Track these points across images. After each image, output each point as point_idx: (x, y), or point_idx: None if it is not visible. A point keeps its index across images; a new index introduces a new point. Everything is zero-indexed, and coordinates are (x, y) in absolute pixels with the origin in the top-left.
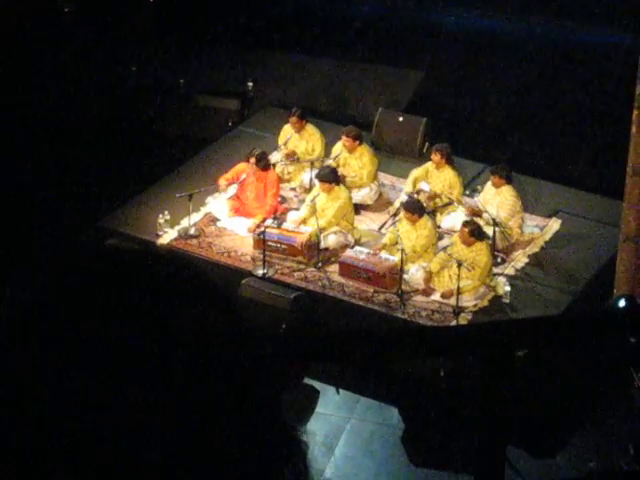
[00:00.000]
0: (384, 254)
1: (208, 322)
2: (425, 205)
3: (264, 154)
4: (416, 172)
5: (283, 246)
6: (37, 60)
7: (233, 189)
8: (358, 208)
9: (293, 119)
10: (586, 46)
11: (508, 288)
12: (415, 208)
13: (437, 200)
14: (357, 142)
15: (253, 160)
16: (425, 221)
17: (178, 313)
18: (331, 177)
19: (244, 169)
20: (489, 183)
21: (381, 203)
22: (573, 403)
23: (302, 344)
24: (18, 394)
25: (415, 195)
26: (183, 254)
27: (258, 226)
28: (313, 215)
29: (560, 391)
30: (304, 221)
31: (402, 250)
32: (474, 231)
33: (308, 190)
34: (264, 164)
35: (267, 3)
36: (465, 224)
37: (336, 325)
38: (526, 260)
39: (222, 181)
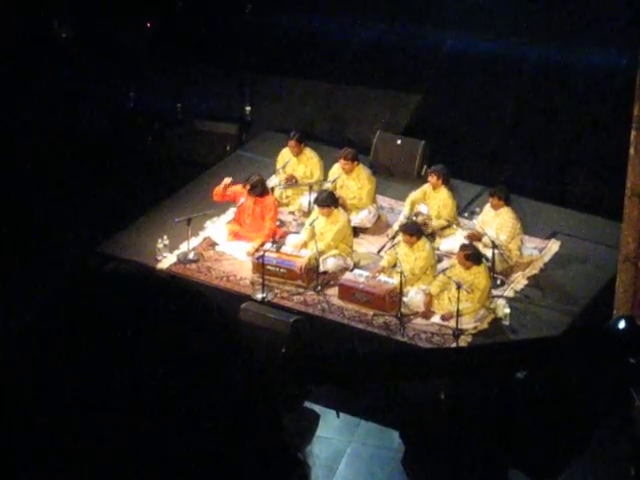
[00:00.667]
0: (383, 277)
1: (209, 345)
2: (424, 227)
3: (259, 181)
4: (413, 195)
5: (282, 270)
6: (34, 86)
7: (231, 214)
8: (357, 231)
9: (292, 143)
10: (584, 67)
11: (508, 310)
12: (413, 230)
13: (434, 224)
14: (355, 163)
15: (248, 187)
16: (423, 243)
17: (178, 336)
18: (329, 201)
19: (241, 192)
20: (488, 205)
21: (380, 226)
22: (574, 425)
23: (302, 366)
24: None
25: (414, 217)
26: (183, 277)
27: (257, 250)
28: (312, 239)
29: (560, 413)
30: (305, 245)
31: (401, 273)
32: (470, 255)
33: (307, 214)
34: (260, 191)
35: (265, 28)
36: (462, 248)
37: (336, 348)
38: (525, 282)
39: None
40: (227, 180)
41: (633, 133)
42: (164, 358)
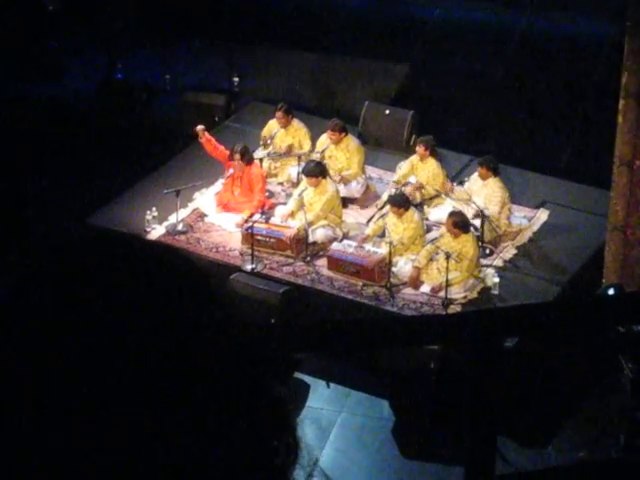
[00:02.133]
0: (372, 247)
1: (199, 312)
2: (412, 197)
3: (246, 148)
4: (403, 168)
5: (271, 240)
6: (21, 58)
7: (220, 185)
8: (346, 201)
9: (279, 114)
10: (572, 36)
11: (497, 279)
12: (400, 202)
13: (423, 192)
14: (342, 134)
15: (238, 157)
16: (411, 213)
17: (168, 302)
18: (317, 171)
19: (225, 158)
20: (475, 174)
21: (369, 196)
22: (563, 392)
23: (291, 334)
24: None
25: (402, 188)
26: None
27: (246, 221)
28: (301, 209)
29: (550, 380)
30: (292, 215)
31: (390, 243)
32: (458, 222)
33: (296, 184)
34: (248, 158)
35: None
36: (450, 215)
37: (325, 318)
38: (514, 251)
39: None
40: (199, 128)
41: (621, 102)
42: (150, 325)
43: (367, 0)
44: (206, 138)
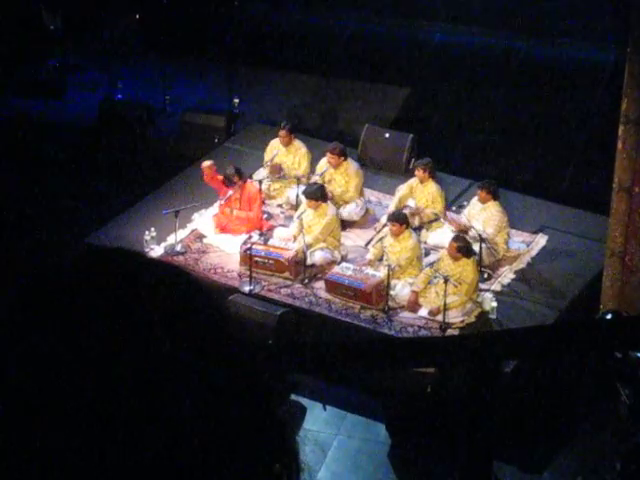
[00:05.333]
0: (370, 270)
1: (200, 330)
2: (411, 221)
3: (238, 168)
4: (401, 191)
5: (270, 262)
6: (22, 77)
7: (218, 206)
8: (344, 224)
9: (282, 132)
10: (572, 62)
11: (495, 304)
12: (400, 219)
13: (422, 216)
14: (342, 158)
15: (237, 179)
16: (409, 234)
17: (171, 320)
18: (318, 194)
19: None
20: (475, 198)
21: (367, 219)
22: (560, 418)
23: (288, 356)
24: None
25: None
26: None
27: (245, 242)
28: (301, 232)
29: (547, 406)
30: (294, 238)
31: (388, 266)
32: (462, 248)
33: (294, 207)
34: (243, 177)
35: (254, 20)
36: (455, 239)
37: (322, 340)
38: (512, 276)
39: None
40: (206, 164)
41: (621, 128)
42: (152, 340)
43: (369, 23)
44: (211, 176)
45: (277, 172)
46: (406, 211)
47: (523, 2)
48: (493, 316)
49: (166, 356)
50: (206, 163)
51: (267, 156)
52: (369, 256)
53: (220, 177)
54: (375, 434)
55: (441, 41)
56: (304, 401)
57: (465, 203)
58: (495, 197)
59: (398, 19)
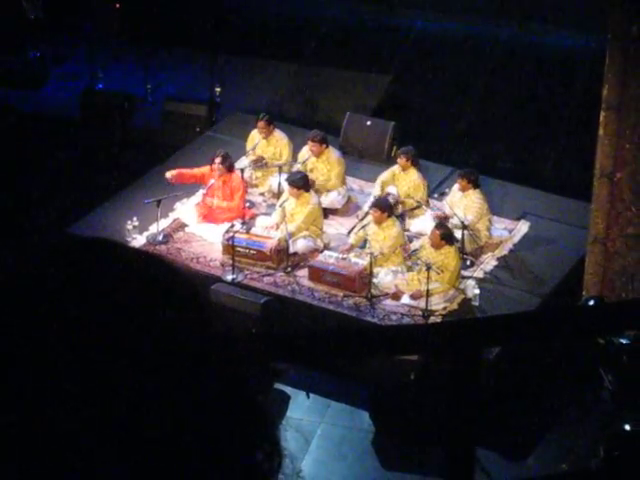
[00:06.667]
0: (353, 258)
1: (185, 319)
2: (394, 208)
3: (227, 154)
4: (383, 176)
5: (252, 251)
6: (1, 66)
7: (201, 195)
8: (327, 212)
9: (261, 124)
10: (553, 49)
11: (477, 291)
12: (384, 206)
13: (404, 203)
14: (323, 146)
15: (219, 160)
16: (392, 222)
17: (154, 309)
18: (300, 183)
19: (208, 173)
20: (456, 186)
21: (349, 207)
22: (544, 404)
23: (271, 344)
24: None
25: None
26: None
27: (227, 231)
28: (283, 220)
29: (531, 392)
30: (276, 226)
31: (371, 254)
32: (445, 235)
33: (277, 195)
34: (229, 164)
35: (234, 9)
36: (437, 227)
37: (305, 329)
38: (495, 263)
39: (168, 174)
40: (168, 176)
41: (602, 114)
42: (133, 330)
43: (349, 11)
44: (175, 178)
45: (259, 162)
46: (389, 199)
47: None
48: (476, 303)
49: (147, 346)
50: (167, 175)
51: (248, 145)
52: (350, 241)
53: (188, 172)
54: (359, 422)
55: (422, 28)
56: (287, 389)
57: (447, 190)
58: (475, 186)
59: (379, 6)
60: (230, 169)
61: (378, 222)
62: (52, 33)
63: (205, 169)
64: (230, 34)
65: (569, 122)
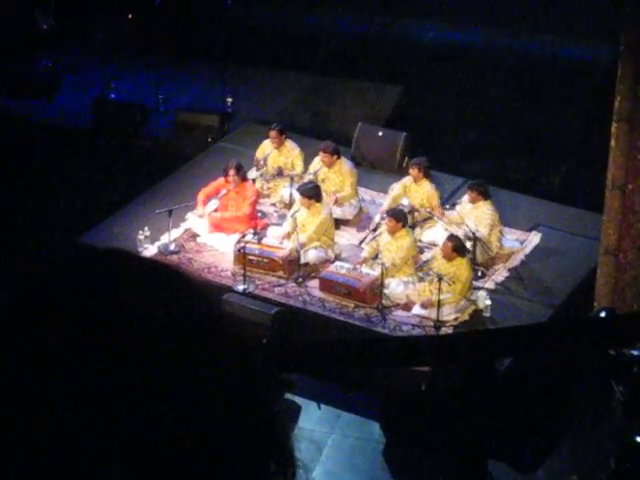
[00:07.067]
0: (364, 269)
1: (194, 329)
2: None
3: (240, 165)
4: (394, 192)
5: (264, 261)
6: (14, 76)
7: (213, 205)
8: (338, 223)
9: (273, 133)
10: (565, 60)
11: (488, 302)
12: (399, 216)
13: (416, 214)
14: (334, 157)
15: (233, 172)
16: (406, 233)
17: (167, 317)
18: (311, 193)
19: (223, 184)
20: (465, 198)
21: (361, 218)
22: (555, 416)
23: (282, 355)
24: None
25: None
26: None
27: (239, 241)
28: (295, 230)
29: (541, 404)
30: (288, 236)
31: (382, 264)
32: (457, 247)
33: (288, 205)
34: (243, 174)
35: (247, 20)
36: (449, 239)
37: (316, 339)
38: (506, 274)
39: (201, 196)
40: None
41: (614, 125)
42: (146, 339)
43: (361, 22)
44: (204, 202)
45: (280, 174)
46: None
47: (516, 0)
48: (487, 314)
49: (161, 355)
50: (199, 212)
51: (258, 154)
52: (364, 254)
53: (207, 190)
54: (370, 433)
55: (434, 38)
56: (299, 400)
57: (459, 201)
58: (485, 197)
59: (390, 17)
60: (244, 179)
61: (392, 232)
62: (64, 43)
63: (220, 181)
64: (243, 45)
65: (581, 133)
